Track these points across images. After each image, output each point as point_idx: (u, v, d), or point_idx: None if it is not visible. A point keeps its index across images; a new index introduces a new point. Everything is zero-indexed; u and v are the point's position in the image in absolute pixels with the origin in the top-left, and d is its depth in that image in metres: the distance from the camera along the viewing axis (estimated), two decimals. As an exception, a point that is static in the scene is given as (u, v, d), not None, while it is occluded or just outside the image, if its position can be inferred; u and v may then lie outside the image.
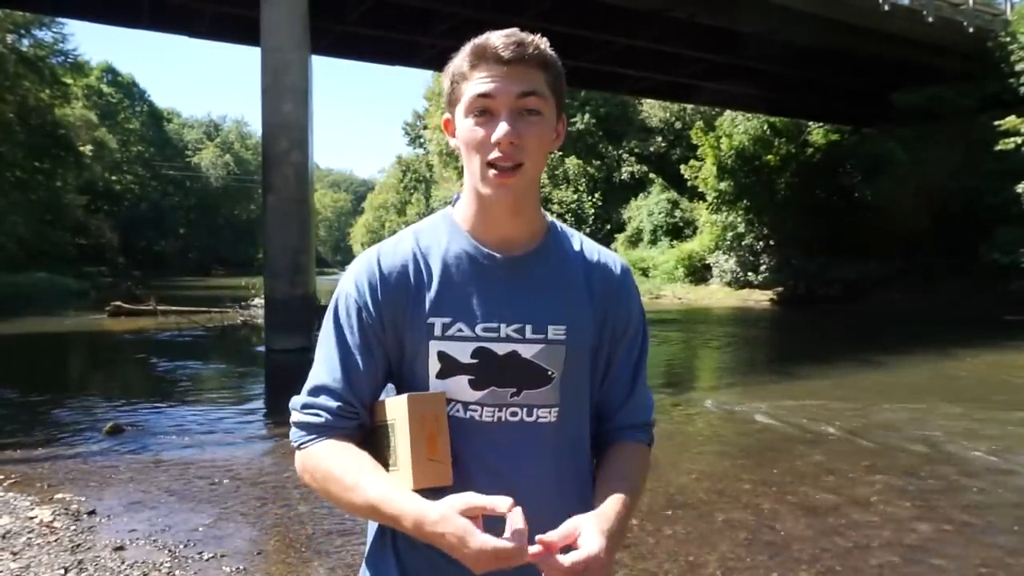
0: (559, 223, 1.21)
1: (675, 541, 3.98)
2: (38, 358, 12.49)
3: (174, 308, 18.38)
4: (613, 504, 1.06)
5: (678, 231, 33.01)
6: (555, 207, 35.20)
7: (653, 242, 33.37)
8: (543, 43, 1.07)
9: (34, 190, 30.72)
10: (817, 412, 7.35)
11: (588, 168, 37.06)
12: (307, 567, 3.61)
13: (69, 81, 36.23)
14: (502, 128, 1.03)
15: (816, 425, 6.86)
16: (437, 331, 1.08)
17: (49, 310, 20.13)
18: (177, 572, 3.49)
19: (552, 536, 0.95)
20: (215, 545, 3.84)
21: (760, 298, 25.84)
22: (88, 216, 39.16)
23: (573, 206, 35.81)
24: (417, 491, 1.00)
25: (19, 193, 29.70)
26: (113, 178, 48.30)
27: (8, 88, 29.04)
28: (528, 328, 1.09)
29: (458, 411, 1.09)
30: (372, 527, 1.16)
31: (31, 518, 4.16)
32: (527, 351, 1.09)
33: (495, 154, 1.04)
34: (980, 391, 8.88)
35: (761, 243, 27.36)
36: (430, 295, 1.09)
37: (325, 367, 1.10)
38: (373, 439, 1.11)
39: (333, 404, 1.08)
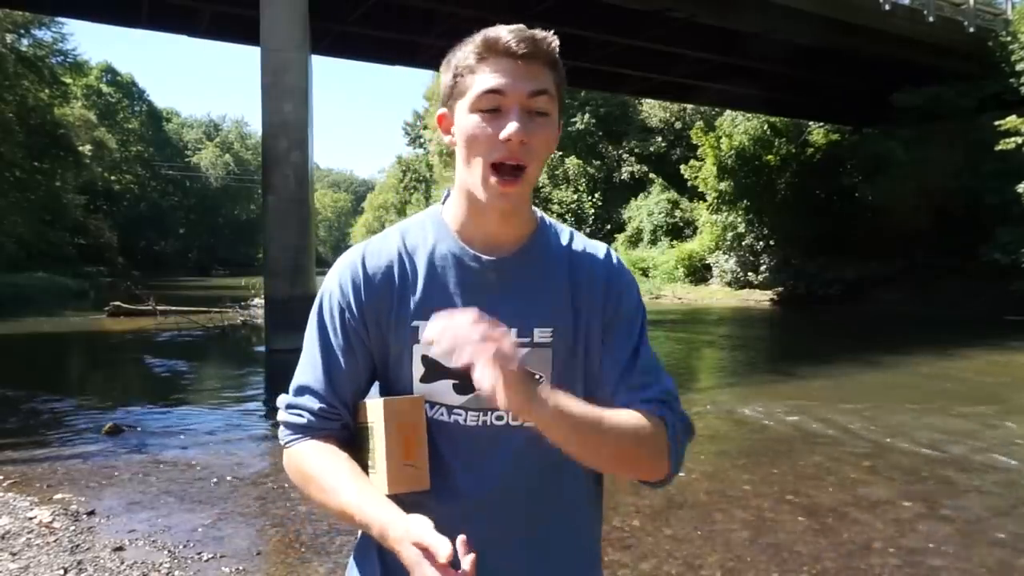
0: (548, 218, 1.16)
1: (675, 541, 3.98)
2: (38, 358, 12.49)
3: (174, 308, 18.37)
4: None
5: (678, 231, 33.01)
6: (555, 207, 35.20)
7: (653, 242, 33.37)
8: (554, 40, 1.02)
9: (34, 190, 30.67)
10: (817, 412, 7.35)
11: (588, 168, 37.06)
12: (307, 567, 3.61)
13: (69, 81, 36.20)
14: (512, 126, 0.97)
15: (816, 425, 6.86)
16: (421, 335, 1.04)
17: (49, 310, 20.13)
18: (177, 572, 3.48)
19: None
20: (215, 545, 3.84)
21: (760, 298, 25.84)
22: (87, 216, 39.09)
23: (573, 206, 35.80)
24: (392, 495, 0.99)
25: (19, 193, 29.68)
26: (112, 178, 48.24)
27: (8, 88, 29.03)
28: (513, 332, 1.04)
29: (442, 415, 1.06)
30: None
31: (30, 518, 4.15)
32: None
33: (502, 153, 0.99)
34: (980, 391, 8.88)
35: (761, 243, 27.35)
36: (415, 298, 1.06)
37: (308, 367, 1.09)
38: (357, 440, 1.10)
39: (315, 406, 1.07)
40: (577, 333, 1.09)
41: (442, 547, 0.87)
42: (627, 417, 1.03)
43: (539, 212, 1.14)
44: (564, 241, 1.13)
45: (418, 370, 1.06)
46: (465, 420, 1.06)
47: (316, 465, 1.04)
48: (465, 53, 1.02)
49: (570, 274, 1.10)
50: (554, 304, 1.08)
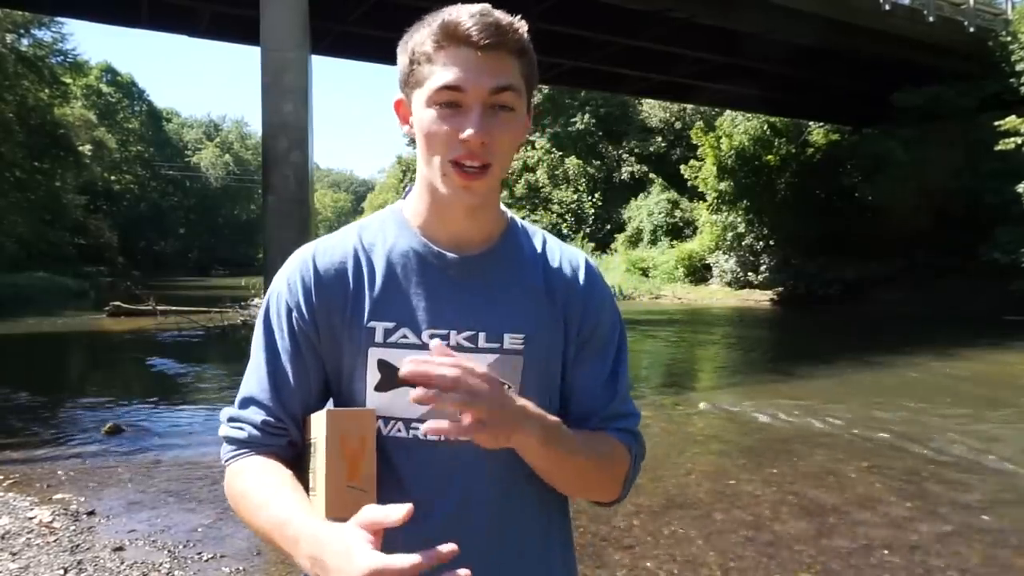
0: (519, 219, 1.07)
1: (675, 541, 3.98)
2: (38, 358, 12.48)
3: (174, 308, 18.37)
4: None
5: (678, 231, 33.03)
6: (555, 207, 35.23)
7: (653, 242, 33.37)
8: (521, 26, 0.92)
9: (34, 190, 30.69)
10: (817, 412, 7.35)
11: (588, 168, 37.08)
12: (307, 567, 3.60)
13: (68, 81, 36.24)
14: (472, 128, 0.88)
15: (816, 425, 6.86)
16: (378, 337, 0.95)
17: (49, 310, 20.12)
18: (177, 572, 3.49)
19: None
20: (215, 545, 3.84)
21: (760, 298, 25.85)
22: (88, 216, 39.11)
23: (573, 206, 35.80)
24: (333, 520, 0.83)
25: (19, 193, 29.69)
26: (112, 178, 48.27)
27: (8, 88, 29.04)
28: (482, 336, 0.96)
29: (399, 431, 0.95)
30: None
31: (31, 518, 4.16)
32: (480, 362, 0.94)
33: (460, 153, 0.90)
34: (980, 391, 8.88)
35: (761, 243, 27.37)
36: (371, 296, 0.96)
37: (253, 376, 0.98)
38: (303, 459, 0.97)
39: (259, 418, 0.95)
40: (553, 342, 1.00)
41: (395, 509, 0.74)
42: (601, 447, 0.98)
43: (509, 212, 1.06)
44: (537, 245, 1.04)
45: (373, 377, 0.95)
46: (425, 434, 0.90)
47: (253, 480, 0.92)
48: (422, 37, 0.92)
49: (546, 280, 1.02)
50: (527, 309, 0.99)
